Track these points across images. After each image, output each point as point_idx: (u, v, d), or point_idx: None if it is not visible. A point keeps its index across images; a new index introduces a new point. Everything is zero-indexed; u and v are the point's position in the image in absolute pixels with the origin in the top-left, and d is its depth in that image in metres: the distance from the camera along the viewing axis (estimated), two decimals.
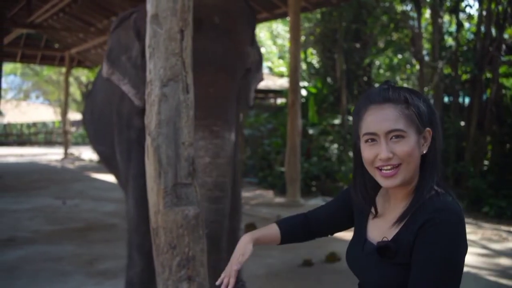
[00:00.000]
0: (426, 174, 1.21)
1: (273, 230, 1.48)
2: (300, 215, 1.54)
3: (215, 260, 2.67)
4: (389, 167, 1.17)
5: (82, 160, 16.60)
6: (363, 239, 1.30)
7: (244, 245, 1.39)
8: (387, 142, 1.17)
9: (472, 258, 4.57)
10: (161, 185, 2.03)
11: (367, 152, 1.20)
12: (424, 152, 1.20)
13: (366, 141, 1.21)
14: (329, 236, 1.55)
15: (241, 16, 2.96)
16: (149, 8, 2.08)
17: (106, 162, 3.91)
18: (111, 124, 3.31)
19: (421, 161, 1.21)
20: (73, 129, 25.78)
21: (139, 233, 3.00)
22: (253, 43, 3.11)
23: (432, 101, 7.51)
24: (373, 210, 1.32)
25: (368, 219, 1.33)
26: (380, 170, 1.19)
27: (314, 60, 12.00)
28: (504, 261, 4.64)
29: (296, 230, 1.50)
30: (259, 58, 3.27)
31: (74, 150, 19.46)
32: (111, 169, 3.86)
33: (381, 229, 1.26)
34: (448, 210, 1.13)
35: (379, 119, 1.18)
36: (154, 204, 2.06)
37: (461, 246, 1.12)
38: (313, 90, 10.73)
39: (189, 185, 2.08)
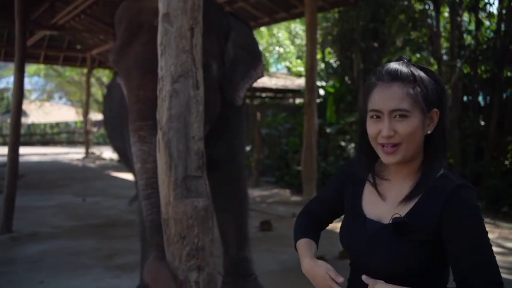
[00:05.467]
0: (433, 154, 1.24)
1: (313, 245, 1.42)
2: (302, 218, 1.50)
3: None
4: (390, 145, 1.21)
5: (103, 159, 16.88)
6: (362, 219, 1.30)
7: (317, 267, 1.31)
8: (390, 120, 1.20)
9: None
10: (172, 177, 2.12)
11: (371, 127, 1.24)
12: (429, 132, 1.23)
13: (371, 116, 1.24)
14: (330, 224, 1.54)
15: None
16: (161, 7, 2.17)
17: (123, 158, 4.03)
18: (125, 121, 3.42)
19: (427, 141, 1.24)
20: (94, 129, 26.20)
21: None
22: (227, 40, 3.04)
23: (450, 100, 7.45)
24: (370, 181, 1.33)
25: (363, 197, 1.34)
26: (383, 146, 1.22)
27: (332, 60, 12.00)
28: None
29: (316, 234, 1.46)
30: (250, 55, 3.21)
31: (95, 150, 19.78)
32: (127, 164, 3.98)
33: (381, 207, 1.27)
34: (468, 187, 1.18)
35: (385, 97, 1.21)
36: (165, 196, 2.14)
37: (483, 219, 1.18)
38: (331, 90, 10.74)
39: (199, 177, 2.16)
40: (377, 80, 1.25)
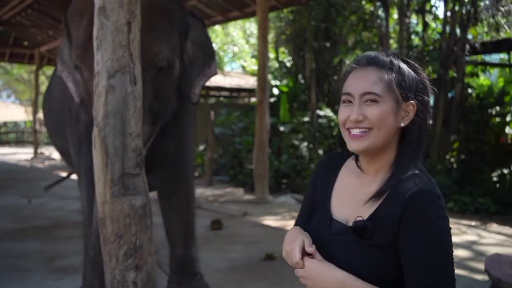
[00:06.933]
0: (406, 151, 1.16)
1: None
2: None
3: None
4: (358, 130, 1.14)
5: (52, 159, 16.33)
6: (329, 219, 1.23)
7: (297, 233, 1.23)
8: (360, 105, 1.14)
9: None
10: (108, 175, 2.05)
11: (341, 112, 1.18)
12: (402, 125, 1.16)
13: (343, 101, 1.18)
14: None
15: (152, 14, 2.68)
16: (97, 0, 2.10)
17: (65, 157, 3.91)
18: (67, 119, 3.32)
19: (401, 136, 1.17)
20: (44, 128, 25.34)
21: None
22: (186, 39, 3.00)
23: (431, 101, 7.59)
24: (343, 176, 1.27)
25: (332, 196, 1.26)
26: (350, 132, 1.16)
27: (286, 59, 12.09)
28: (460, 253, 4.77)
29: None
30: (205, 54, 3.18)
31: (45, 150, 19.12)
32: (69, 163, 3.86)
33: (349, 206, 1.20)
34: (429, 192, 1.09)
35: (358, 79, 1.15)
36: (101, 194, 2.08)
37: (447, 226, 1.09)
38: (285, 89, 10.82)
39: (136, 175, 2.11)
40: (354, 64, 1.20)
